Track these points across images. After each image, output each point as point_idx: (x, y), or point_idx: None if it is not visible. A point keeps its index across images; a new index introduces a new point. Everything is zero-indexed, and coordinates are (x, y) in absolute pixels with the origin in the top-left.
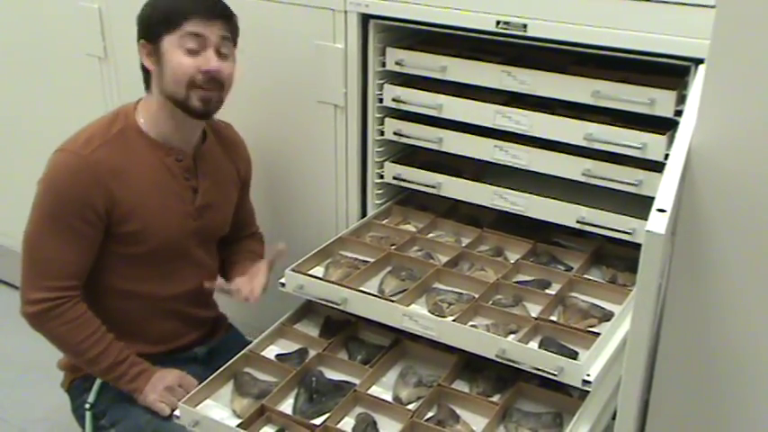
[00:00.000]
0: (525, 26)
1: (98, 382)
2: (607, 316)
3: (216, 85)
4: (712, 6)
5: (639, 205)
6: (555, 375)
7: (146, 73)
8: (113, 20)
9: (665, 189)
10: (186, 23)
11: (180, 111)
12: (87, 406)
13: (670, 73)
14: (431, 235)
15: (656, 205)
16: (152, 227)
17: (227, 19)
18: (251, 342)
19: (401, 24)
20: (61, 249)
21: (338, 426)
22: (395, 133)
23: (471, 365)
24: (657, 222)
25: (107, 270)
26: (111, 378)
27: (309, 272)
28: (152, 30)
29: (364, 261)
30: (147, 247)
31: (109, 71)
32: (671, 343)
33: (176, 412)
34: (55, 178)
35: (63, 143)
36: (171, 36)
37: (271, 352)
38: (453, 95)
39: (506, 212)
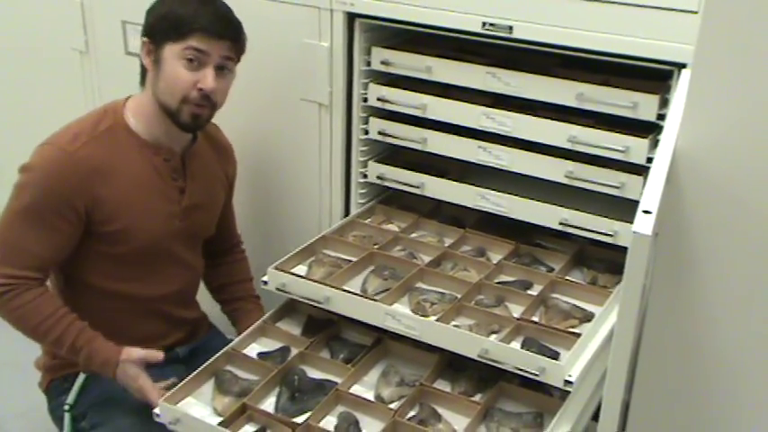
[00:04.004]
0: (511, 28)
1: (78, 382)
2: (588, 317)
3: (208, 103)
4: (695, 12)
5: (621, 208)
6: (537, 375)
7: (143, 70)
8: (95, 14)
9: (650, 191)
10: (191, 37)
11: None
12: (66, 407)
13: (653, 77)
14: (414, 235)
15: (641, 207)
16: (136, 226)
17: (234, 40)
18: (232, 341)
19: (387, 24)
20: (30, 240)
21: (320, 424)
22: (379, 133)
23: (453, 365)
24: (643, 223)
25: (91, 269)
26: (80, 362)
27: (292, 270)
28: (157, 32)
29: (347, 260)
30: (131, 247)
31: (90, 65)
32: (653, 343)
33: (156, 410)
34: (38, 171)
35: (50, 137)
36: (174, 45)
37: (252, 350)
38: (438, 96)
39: (489, 213)
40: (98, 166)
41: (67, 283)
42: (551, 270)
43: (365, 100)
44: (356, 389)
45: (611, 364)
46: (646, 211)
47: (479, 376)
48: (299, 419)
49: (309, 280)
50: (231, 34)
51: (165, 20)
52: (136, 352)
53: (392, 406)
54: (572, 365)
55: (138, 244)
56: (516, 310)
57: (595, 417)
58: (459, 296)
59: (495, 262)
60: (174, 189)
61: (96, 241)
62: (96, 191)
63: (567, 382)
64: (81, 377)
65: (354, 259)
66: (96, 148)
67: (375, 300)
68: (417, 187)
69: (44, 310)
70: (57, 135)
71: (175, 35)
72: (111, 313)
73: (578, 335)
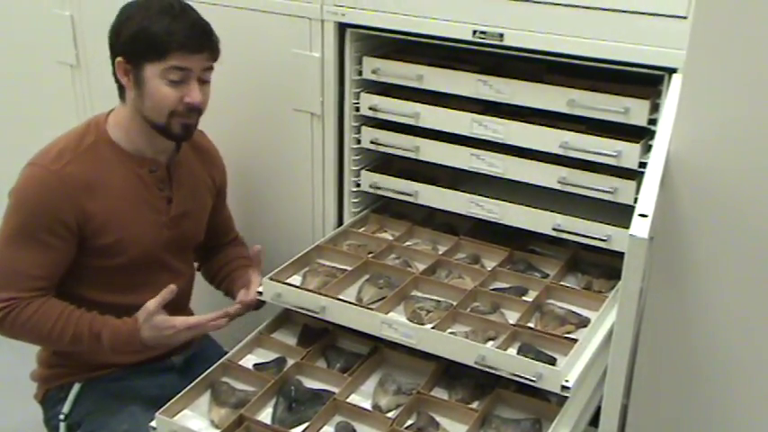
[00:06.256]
0: (502, 36)
1: (73, 392)
2: (583, 322)
3: (196, 113)
4: (684, 17)
5: (614, 213)
6: (534, 381)
7: (120, 85)
8: (86, 27)
9: (645, 194)
10: (171, 57)
11: (156, 132)
12: (62, 417)
13: (643, 82)
14: (408, 243)
15: (637, 210)
16: (126, 239)
17: (212, 49)
18: (228, 352)
19: (378, 33)
20: (27, 263)
21: None
22: (371, 142)
23: (450, 372)
24: (640, 227)
25: (82, 282)
26: (106, 345)
27: (287, 280)
28: (134, 53)
29: (342, 269)
30: (123, 259)
31: (81, 79)
32: (650, 346)
33: (152, 423)
34: (25, 193)
35: (34, 156)
36: (154, 66)
37: (248, 361)
38: (430, 104)
39: (482, 220)
40: (85, 182)
41: (60, 297)
42: (546, 276)
43: (357, 109)
44: (353, 398)
45: (610, 367)
46: (642, 215)
47: (476, 383)
48: (297, 430)
49: (305, 290)
50: (208, 45)
51: (139, 39)
52: (149, 304)
53: (390, 415)
54: (569, 371)
55: (129, 256)
56: (512, 317)
57: (593, 422)
58: (454, 303)
59: (489, 269)
60: (161, 200)
61: (87, 255)
62: (85, 206)
63: (565, 388)
64: (76, 387)
65: (349, 268)
66: (81, 165)
67: (371, 309)
68: (411, 195)
69: (52, 314)
70: (41, 154)
71: (154, 55)
72: None
73: (575, 340)
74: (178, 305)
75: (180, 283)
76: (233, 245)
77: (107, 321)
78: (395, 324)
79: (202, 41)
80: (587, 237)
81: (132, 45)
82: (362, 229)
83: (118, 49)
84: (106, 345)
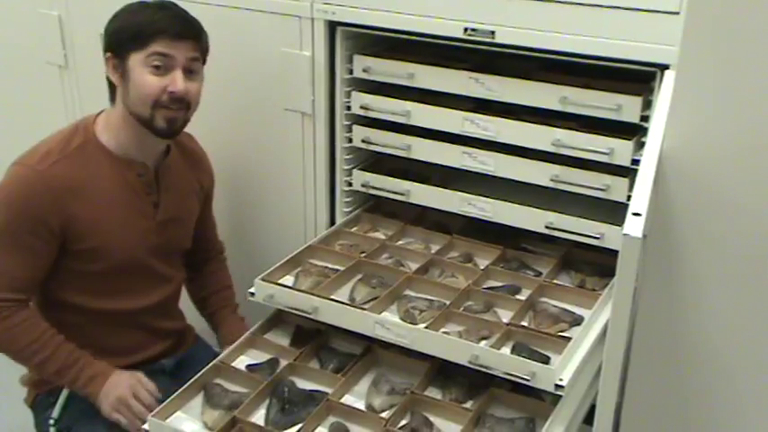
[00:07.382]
0: (493, 33)
1: (63, 396)
2: (577, 320)
3: (182, 106)
4: (677, 13)
5: (607, 210)
6: (528, 380)
7: (111, 85)
8: (74, 27)
9: (639, 193)
10: (153, 43)
11: (144, 128)
12: (51, 422)
13: (635, 79)
14: (400, 242)
15: (631, 209)
16: (111, 243)
17: (197, 39)
18: (220, 353)
19: (369, 31)
20: (9, 263)
21: None
22: (363, 141)
23: (444, 372)
24: (634, 226)
25: (67, 287)
26: (65, 383)
27: (279, 281)
28: (119, 45)
29: (334, 269)
30: (108, 264)
31: (70, 80)
32: (644, 344)
33: (145, 426)
34: (9, 193)
35: (20, 156)
36: (137, 54)
37: (241, 362)
38: (421, 102)
39: (475, 219)
40: (70, 184)
41: (45, 301)
42: (539, 274)
43: (348, 108)
44: (347, 399)
45: (604, 366)
46: (636, 214)
47: (470, 383)
48: (291, 431)
49: (297, 290)
50: (193, 33)
51: (124, 31)
52: (105, 407)
53: (383, 415)
54: (563, 369)
55: (114, 261)
56: (505, 316)
57: (587, 420)
58: (447, 303)
59: (482, 267)
60: (147, 204)
61: (71, 259)
62: (70, 209)
63: (558, 386)
64: (65, 391)
65: (341, 268)
66: (67, 166)
67: (364, 309)
68: (403, 194)
69: (34, 331)
70: (27, 154)
71: (137, 44)
72: (92, 327)
73: (568, 338)
74: (167, 309)
75: (167, 289)
76: (218, 267)
77: (84, 355)
78: (388, 324)
79: (186, 30)
80: (580, 234)
81: (117, 37)
82: (354, 228)
83: (107, 45)
84: (72, 373)
